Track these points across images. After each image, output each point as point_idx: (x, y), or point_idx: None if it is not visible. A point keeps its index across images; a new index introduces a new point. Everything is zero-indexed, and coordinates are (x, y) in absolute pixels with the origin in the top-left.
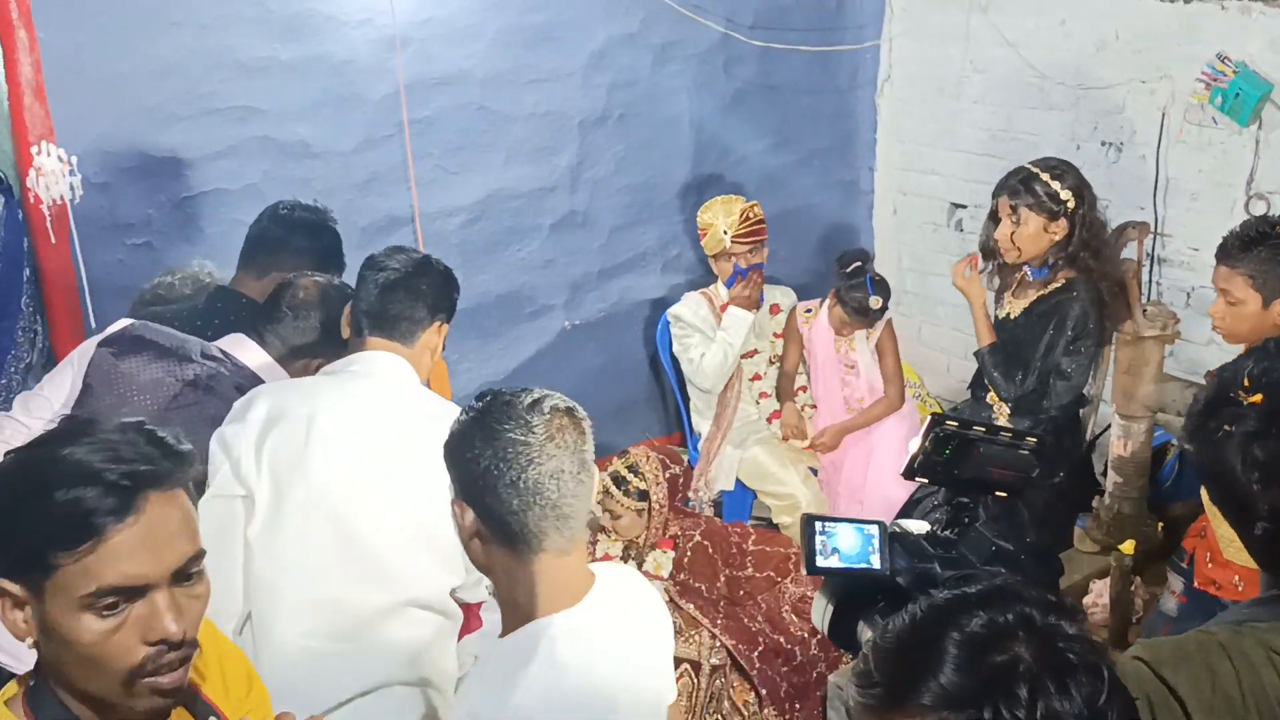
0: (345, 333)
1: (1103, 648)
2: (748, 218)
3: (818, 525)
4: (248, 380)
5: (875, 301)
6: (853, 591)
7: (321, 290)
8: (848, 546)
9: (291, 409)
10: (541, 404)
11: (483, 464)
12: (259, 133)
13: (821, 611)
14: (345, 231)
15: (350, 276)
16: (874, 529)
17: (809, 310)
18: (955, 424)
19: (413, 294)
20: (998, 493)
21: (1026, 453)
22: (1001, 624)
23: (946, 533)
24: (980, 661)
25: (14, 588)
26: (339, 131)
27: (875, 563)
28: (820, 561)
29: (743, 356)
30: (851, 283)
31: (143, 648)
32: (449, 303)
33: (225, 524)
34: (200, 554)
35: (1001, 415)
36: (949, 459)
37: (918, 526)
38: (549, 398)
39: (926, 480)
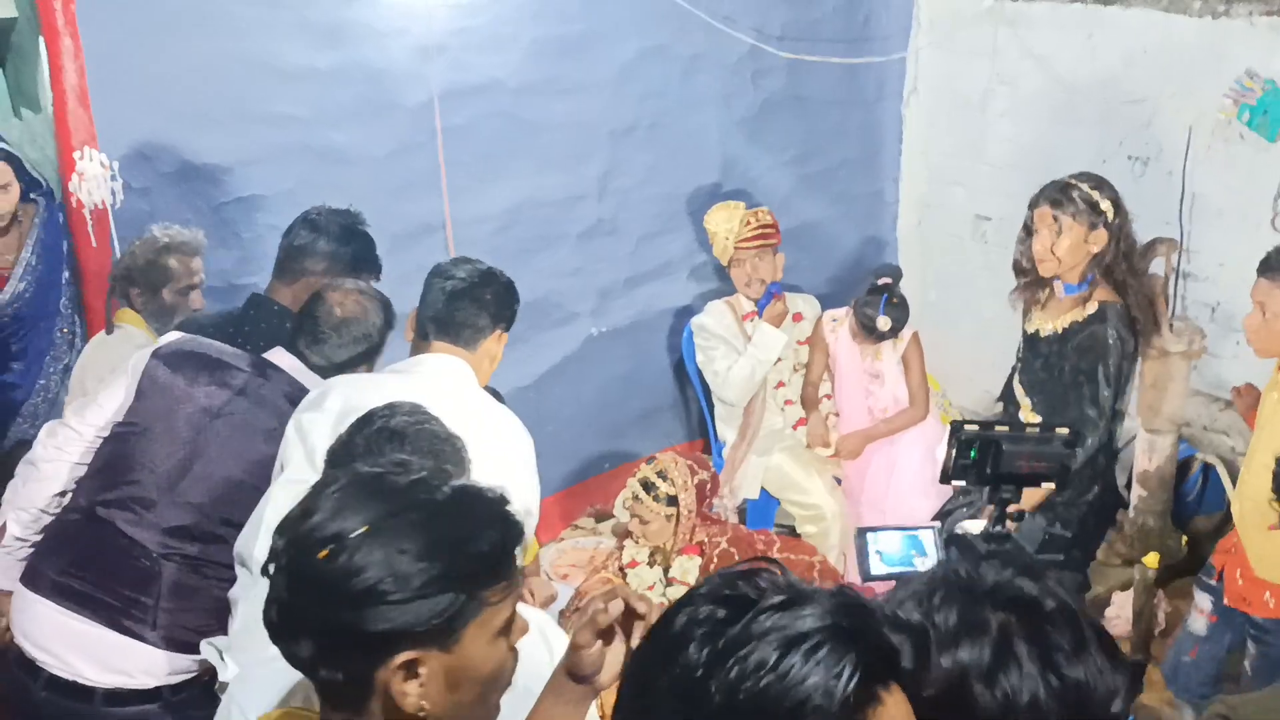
0: (408, 336)
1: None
2: (749, 223)
3: (868, 536)
4: (298, 390)
5: (883, 323)
6: None
7: (360, 305)
8: (891, 551)
9: (365, 403)
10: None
11: None
12: (296, 139)
13: None
14: (377, 237)
15: (387, 282)
16: (925, 533)
17: (835, 319)
18: (975, 427)
19: (477, 303)
20: (1040, 484)
21: (1057, 443)
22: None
23: (998, 528)
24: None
25: (418, 654)
26: (374, 138)
27: (918, 565)
28: (874, 571)
29: None
30: (868, 299)
31: (514, 654)
32: (510, 312)
33: None
34: None
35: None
36: (977, 460)
37: (975, 526)
38: None
39: (963, 483)
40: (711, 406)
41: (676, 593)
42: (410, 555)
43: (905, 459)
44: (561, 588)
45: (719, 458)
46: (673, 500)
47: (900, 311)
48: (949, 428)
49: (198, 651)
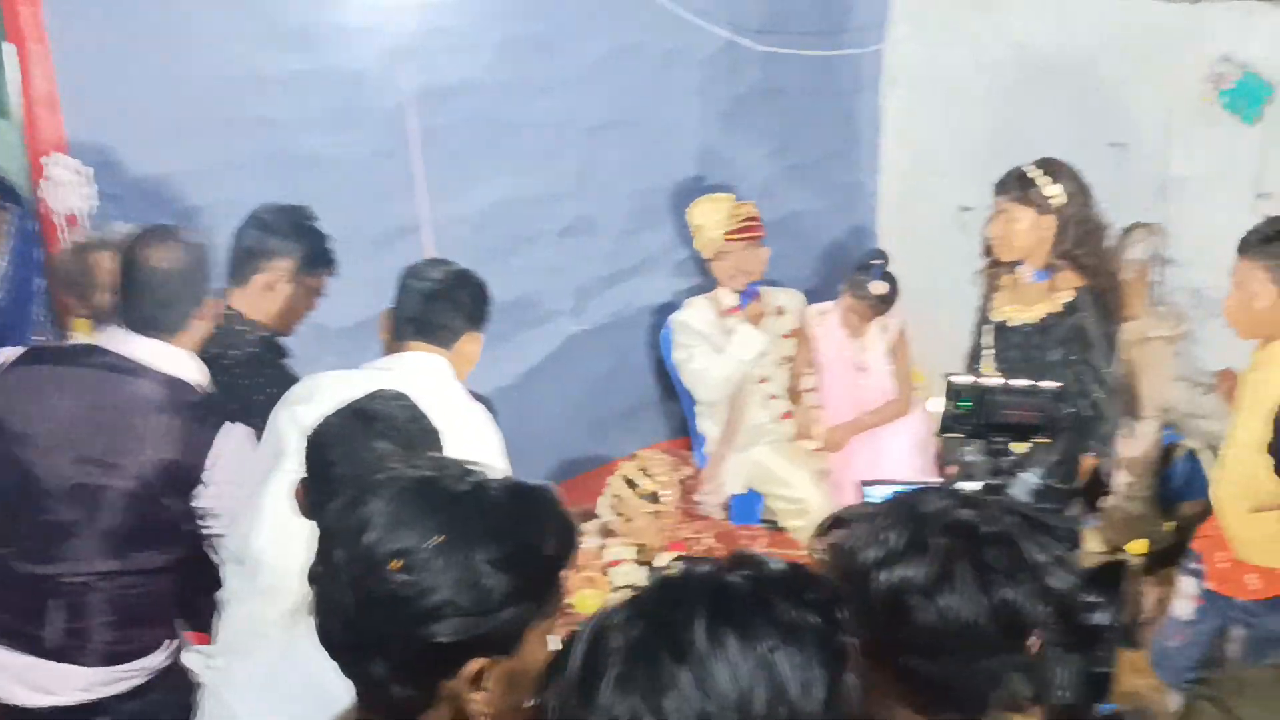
0: (382, 335)
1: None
2: (736, 215)
3: (866, 490)
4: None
5: (878, 286)
6: None
7: (169, 254)
8: None
9: (356, 395)
10: None
11: None
12: (270, 144)
13: None
14: (355, 241)
15: (367, 285)
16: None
17: (822, 313)
18: (969, 378)
19: (453, 304)
20: (1032, 438)
21: (1046, 396)
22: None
23: (995, 480)
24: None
25: (488, 663)
26: (348, 142)
27: None
28: None
29: None
30: (860, 273)
31: None
32: (484, 313)
33: None
34: None
35: None
36: (972, 410)
37: (970, 486)
38: None
39: (960, 435)
40: (693, 402)
41: None
42: (488, 566)
43: (891, 450)
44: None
45: (702, 454)
46: (656, 497)
47: (893, 282)
48: (946, 382)
49: (142, 656)
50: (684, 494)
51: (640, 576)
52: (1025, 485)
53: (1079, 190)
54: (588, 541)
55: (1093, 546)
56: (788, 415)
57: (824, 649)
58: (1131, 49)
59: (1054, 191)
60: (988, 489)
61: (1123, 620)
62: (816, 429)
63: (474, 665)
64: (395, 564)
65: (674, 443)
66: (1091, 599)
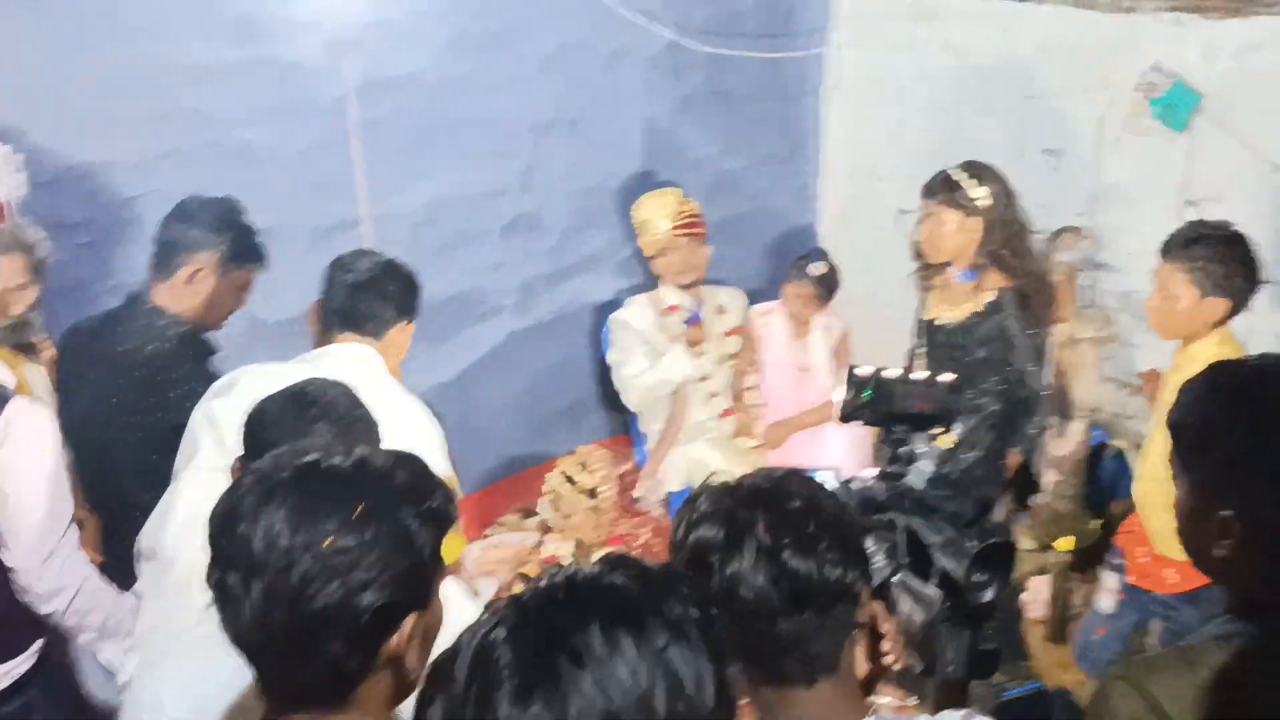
0: (312, 328)
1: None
2: (684, 210)
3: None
4: None
5: (817, 268)
6: None
7: None
8: None
9: (275, 389)
10: None
11: None
12: (205, 135)
13: None
14: (294, 235)
15: (308, 280)
16: (824, 474)
17: (766, 313)
18: (870, 369)
19: (381, 295)
20: (928, 428)
21: (942, 389)
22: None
23: (892, 468)
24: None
25: (414, 617)
26: (287, 135)
27: None
28: None
29: None
30: (801, 259)
31: None
32: (413, 303)
33: (214, 496)
34: None
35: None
36: (871, 400)
37: (868, 472)
38: None
39: (859, 422)
40: None
41: None
42: (415, 521)
43: (829, 447)
44: (486, 584)
45: (643, 451)
46: (593, 493)
47: (833, 268)
48: (849, 376)
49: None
50: (623, 490)
51: None
52: (921, 475)
53: (1004, 192)
54: (531, 539)
55: (1024, 544)
56: (728, 413)
57: (708, 642)
58: (1066, 58)
59: (980, 194)
60: (883, 476)
61: (1007, 599)
62: (757, 427)
63: (409, 621)
64: (329, 541)
65: (616, 440)
66: (978, 579)
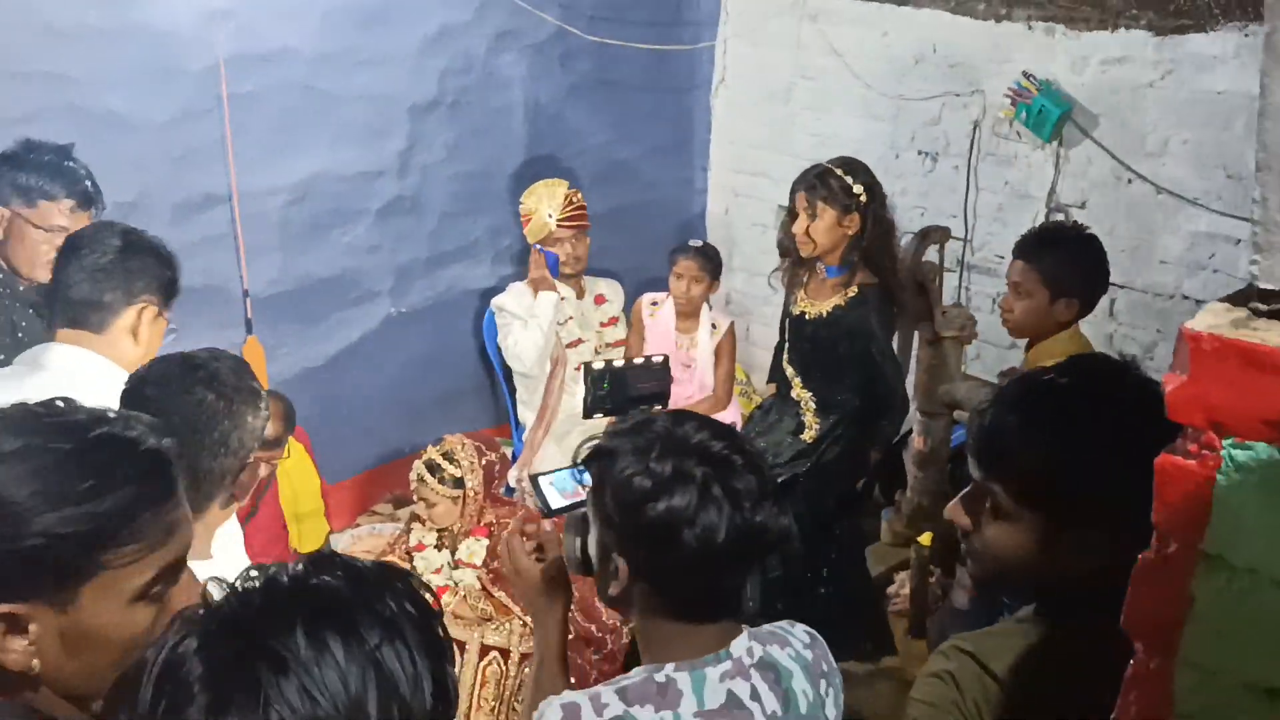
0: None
1: None
2: (571, 202)
3: (542, 480)
4: None
5: (695, 242)
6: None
7: None
8: (562, 486)
9: None
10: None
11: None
12: (66, 99)
13: (574, 546)
14: (156, 207)
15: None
16: (570, 470)
17: (655, 303)
18: (602, 363)
19: (100, 275)
20: (655, 405)
21: (658, 368)
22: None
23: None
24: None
25: (23, 609)
26: (154, 103)
27: (582, 494)
28: (555, 505)
29: (568, 346)
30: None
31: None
32: (156, 283)
33: None
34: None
35: (808, 410)
36: (610, 391)
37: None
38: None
39: (601, 414)
40: (513, 390)
41: (463, 575)
42: (26, 497)
43: None
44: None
45: (520, 440)
46: (459, 483)
47: (714, 251)
48: (581, 370)
49: None
50: (490, 480)
51: (442, 560)
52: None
53: (876, 188)
54: (395, 526)
55: (885, 538)
56: None
57: (425, 641)
58: (942, 63)
59: (858, 190)
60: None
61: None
62: None
63: (2, 608)
64: None
65: (494, 430)
66: (759, 519)
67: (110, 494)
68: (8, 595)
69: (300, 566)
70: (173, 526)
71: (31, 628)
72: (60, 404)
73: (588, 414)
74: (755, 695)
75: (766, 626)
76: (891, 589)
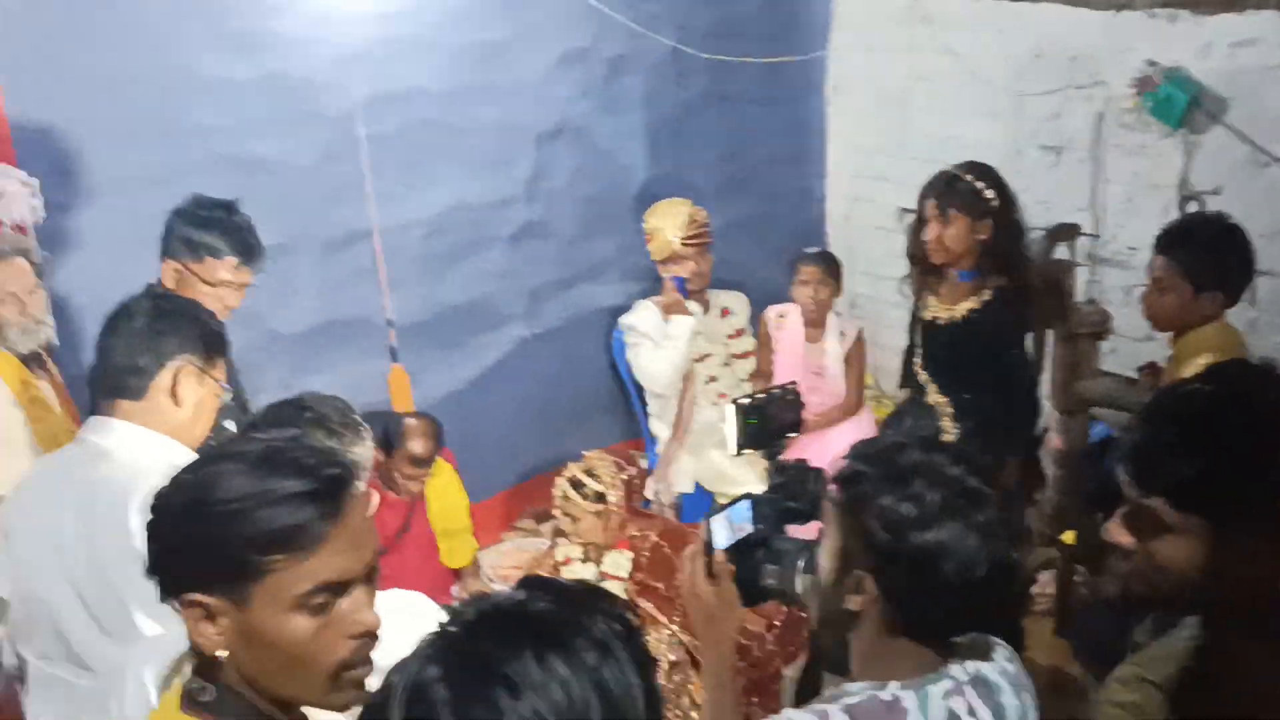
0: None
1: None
2: (694, 220)
3: (714, 521)
4: None
5: (812, 249)
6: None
7: None
8: (735, 520)
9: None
10: None
11: None
12: (217, 150)
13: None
14: (304, 246)
15: (317, 290)
16: (743, 503)
17: (782, 314)
18: (749, 399)
19: (133, 341)
20: (789, 433)
21: (790, 397)
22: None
23: (777, 479)
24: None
25: (210, 600)
26: (298, 148)
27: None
28: (720, 544)
29: (696, 360)
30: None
31: (346, 642)
32: (190, 342)
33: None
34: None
35: (945, 415)
36: (759, 424)
37: (757, 491)
38: None
39: (753, 450)
40: (645, 404)
41: (609, 588)
42: (216, 501)
43: (837, 447)
44: (502, 590)
45: (654, 454)
46: (601, 497)
47: (833, 257)
48: (734, 406)
49: None
50: (630, 493)
51: (589, 574)
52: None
53: (1007, 192)
54: (541, 542)
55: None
56: None
57: (635, 657)
58: (1061, 56)
59: (990, 195)
60: (772, 488)
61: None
62: None
63: (191, 595)
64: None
65: (627, 444)
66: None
67: (284, 505)
68: (201, 586)
69: (517, 592)
70: (334, 544)
71: (220, 620)
72: (259, 432)
73: (739, 450)
74: (971, 712)
75: (967, 640)
76: (1036, 589)
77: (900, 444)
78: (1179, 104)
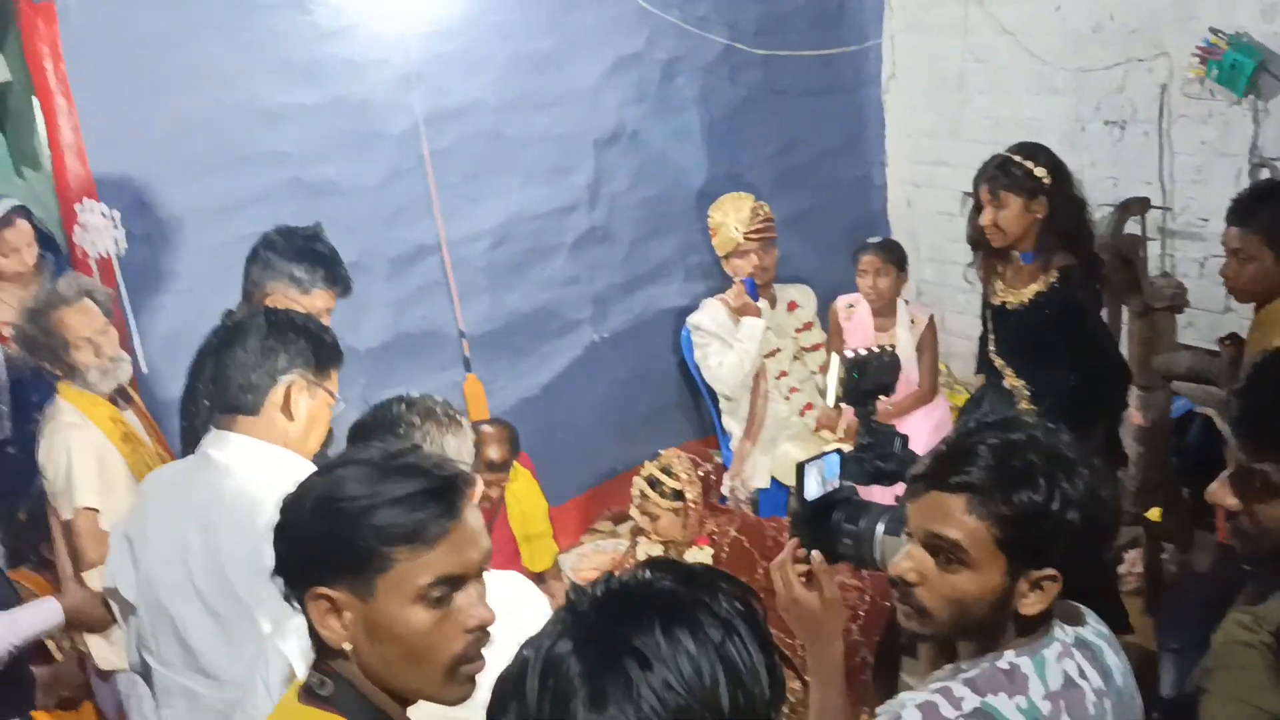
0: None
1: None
2: (757, 214)
3: (809, 467)
4: None
5: (874, 239)
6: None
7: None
8: (826, 472)
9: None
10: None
11: None
12: (288, 175)
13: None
14: (375, 263)
15: (390, 306)
16: (833, 455)
17: (851, 305)
18: (853, 353)
19: (247, 359)
20: (882, 395)
21: (888, 359)
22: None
23: (866, 439)
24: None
25: (336, 594)
26: (363, 168)
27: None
28: (812, 495)
29: (765, 356)
30: None
31: (463, 636)
32: (300, 357)
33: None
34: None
35: (1023, 399)
36: (859, 380)
37: (846, 447)
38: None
39: (850, 404)
40: (716, 401)
41: None
42: (347, 498)
43: (912, 434)
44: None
45: (728, 450)
46: (679, 495)
47: (895, 244)
48: (842, 360)
49: None
50: (707, 490)
51: None
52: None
53: (1060, 169)
54: (624, 544)
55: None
56: (809, 408)
57: (756, 635)
58: (1120, 28)
59: (1041, 173)
60: (860, 448)
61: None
62: (839, 420)
63: (318, 589)
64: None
65: (701, 441)
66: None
67: (406, 502)
68: (328, 580)
69: (643, 571)
70: (452, 540)
71: (345, 613)
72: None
73: (838, 402)
74: (1082, 673)
75: (1059, 606)
76: (1123, 568)
77: (1015, 421)
78: (1245, 70)
